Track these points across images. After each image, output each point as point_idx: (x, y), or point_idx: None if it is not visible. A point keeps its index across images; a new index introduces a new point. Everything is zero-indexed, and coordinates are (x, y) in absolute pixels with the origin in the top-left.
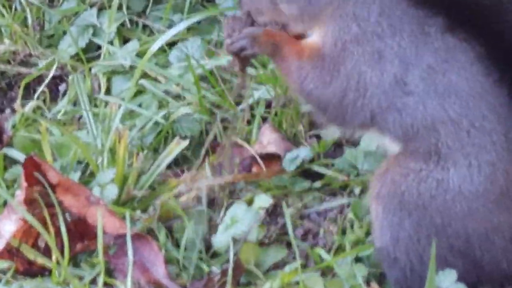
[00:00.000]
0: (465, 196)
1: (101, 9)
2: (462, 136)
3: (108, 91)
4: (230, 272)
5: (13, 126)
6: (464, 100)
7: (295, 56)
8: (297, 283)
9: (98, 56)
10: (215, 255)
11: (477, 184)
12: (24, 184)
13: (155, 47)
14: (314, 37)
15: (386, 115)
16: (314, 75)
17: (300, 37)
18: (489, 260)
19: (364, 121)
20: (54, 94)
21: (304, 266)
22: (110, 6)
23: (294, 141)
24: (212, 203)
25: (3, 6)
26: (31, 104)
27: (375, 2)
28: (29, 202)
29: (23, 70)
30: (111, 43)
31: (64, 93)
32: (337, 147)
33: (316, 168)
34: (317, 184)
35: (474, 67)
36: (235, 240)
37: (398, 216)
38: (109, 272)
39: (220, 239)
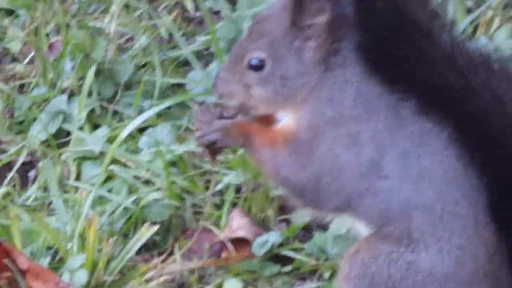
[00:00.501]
0: (435, 278)
1: (71, 96)
2: (434, 221)
3: (78, 177)
4: None
5: None
6: (437, 185)
7: (268, 144)
8: None
9: (68, 142)
10: None
11: (447, 266)
12: None
13: (125, 133)
14: (288, 122)
15: (362, 199)
16: (289, 161)
17: (268, 119)
18: None
19: (340, 204)
20: (24, 180)
21: None
22: (80, 93)
23: (263, 225)
24: None
25: None
26: (1, 190)
27: (352, 86)
28: None
29: None
30: (81, 129)
31: (34, 179)
32: (307, 231)
33: (285, 252)
34: (287, 268)
35: (447, 150)
36: None
37: None
38: None
39: None
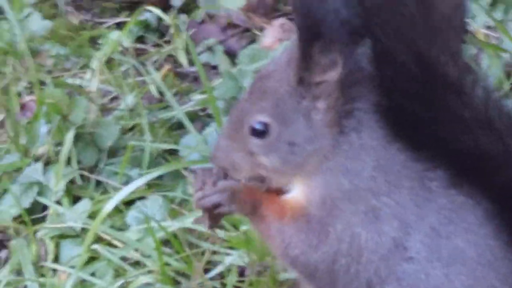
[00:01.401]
0: None
1: (47, 164)
2: None
3: (56, 258)
4: None
5: None
6: (471, 269)
7: (276, 217)
8: None
9: (45, 218)
10: None
11: None
12: None
13: (109, 207)
14: (297, 194)
15: (384, 285)
16: (299, 239)
17: (279, 188)
18: None
19: None
20: None
21: None
22: (57, 161)
23: None
24: None
25: None
26: None
27: (369, 154)
28: None
29: None
30: (59, 202)
31: (6, 261)
32: None
33: None
34: None
35: (483, 228)
36: None
37: None
38: None
39: None
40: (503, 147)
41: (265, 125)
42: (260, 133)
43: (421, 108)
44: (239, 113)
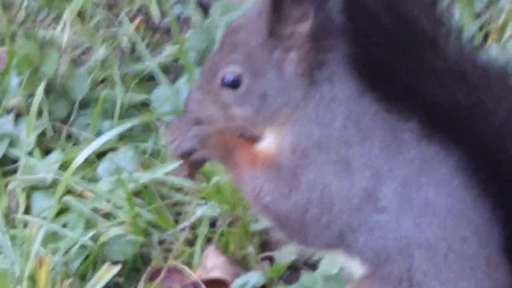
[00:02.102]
0: None
1: (18, 116)
2: (438, 261)
3: (27, 210)
4: None
5: None
6: (442, 219)
7: (249, 163)
8: None
9: (16, 170)
10: None
11: None
12: None
13: (81, 158)
14: (269, 143)
15: (356, 235)
16: (270, 187)
17: (253, 141)
18: None
19: (330, 240)
20: None
21: None
22: (28, 112)
23: (243, 264)
24: None
25: None
26: None
27: (341, 105)
28: None
29: None
30: (30, 154)
31: None
32: (293, 271)
33: None
34: None
35: (455, 180)
36: None
37: None
38: None
39: None
40: (476, 99)
41: (237, 76)
42: (232, 85)
43: (394, 59)
44: (211, 65)
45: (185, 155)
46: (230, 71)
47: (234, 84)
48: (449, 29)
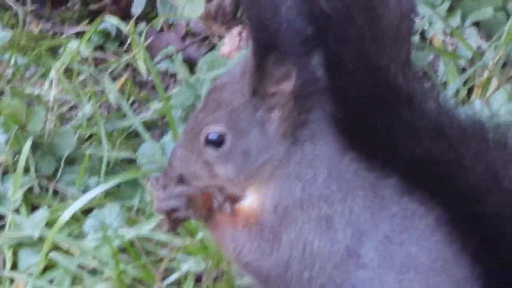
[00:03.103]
0: None
1: (5, 173)
2: None
3: (14, 266)
4: None
5: None
6: (424, 276)
7: (230, 224)
8: None
9: (3, 227)
10: None
11: None
12: None
13: (67, 215)
14: (251, 201)
15: None
16: (252, 247)
17: (236, 199)
18: None
19: None
20: None
21: None
22: (15, 170)
23: None
24: None
25: None
26: None
27: (323, 164)
28: None
29: None
30: (17, 211)
31: None
32: None
33: None
34: None
35: (435, 235)
36: None
37: None
38: None
39: None
40: (455, 155)
41: (220, 135)
42: (215, 143)
43: (373, 117)
44: (194, 124)
45: (169, 212)
46: (213, 130)
47: (218, 142)
48: (426, 87)
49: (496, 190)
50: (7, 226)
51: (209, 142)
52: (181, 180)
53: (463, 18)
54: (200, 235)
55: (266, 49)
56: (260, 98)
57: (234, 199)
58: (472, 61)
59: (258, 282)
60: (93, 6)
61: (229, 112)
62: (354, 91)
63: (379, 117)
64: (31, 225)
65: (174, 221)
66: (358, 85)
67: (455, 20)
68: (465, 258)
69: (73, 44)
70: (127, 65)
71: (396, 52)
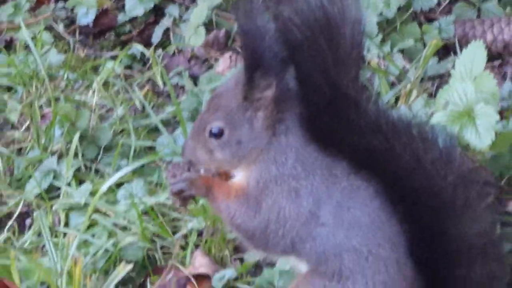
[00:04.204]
0: None
1: (60, 157)
2: (361, 261)
3: (66, 224)
4: None
5: None
6: (365, 231)
7: (224, 197)
8: None
9: (58, 196)
10: None
11: None
12: None
13: (105, 187)
14: (240, 178)
15: (304, 244)
16: (241, 212)
17: (227, 174)
18: None
19: (285, 248)
20: (21, 227)
21: None
22: (67, 155)
23: (221, 263)
24: None
25: None
26: (2, 236)
27: (292, 150)
28: None
29: None
30: (68, 185)
31: (30, 226)
32: (258, 267)
33: (240, 285)
34: None
35: (374, 202)
36: None
37: None
38: None
39: None
40: (389, 145)
41: (220, 129)
42: (216, 135)
43: (330, 118)
44: (201, 121)
45: (178, 193)
46: (215, 125)
47: (218, 135)
48: (369, 95)
49: (419, 170)
50: (61, 195)
51: (212, 134)
52: (190, 165)
53: (392, 46)
54: (201, 202)
55: (254, 66)
56: (249, 102)
57: (228, 176)
58: (398, 77)
59: (245, 239)
60: (123, 37)
61: (226, 113)
62: (318, 98)
63: (335, 117)
64: (79, 194)
65: (183, 199)
66: (320, 94)
67: (386, 48)
68: (395, 219)
69: (109, 64)
70: (149, 80)
71: (349, 70)
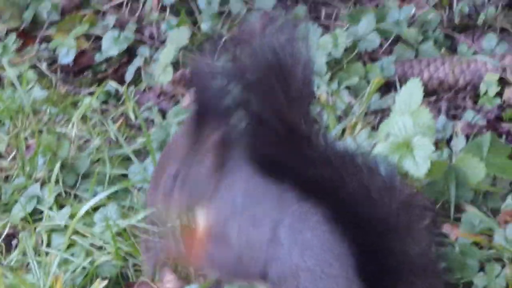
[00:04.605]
0: None
1: (43, 184)
2: (315, 280)
3: (48, 245)
4: None
5: None
6: (316, 252)
7: (199, 246)
8: None
9: (41, 219)
10: None
11: None
12: None
13: (82, 211)
14: (202, 218)
15: (271, 265)
16: (218, 250)
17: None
18: None
19: (261, 272)
20: (8, 247)
21: None
22: (49, 181)
23: (186, 280)
24: None
25: None
26: None
27: (240, 184)
28: None
29: None
30: (50, 209)
31: (16, 246)
32: (218, 284)
33: None
34: None
35: (323, 226)
36: None
37: None
38: None
39: None
40: (337, 175)
41: (176, 171)
42: (174, 177)
43: (284, 152)
44: (160, 167)
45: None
46: (172, 168)
47: (175, 176)
48: (318, 129)
49: (366, 197)
50: (44, 218)
51: (170, 176)
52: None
53: (339, 84)
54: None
55: (202, 113)
56: (199, 145)
57: (189, 219)
58: (345, 112)
59: (227, 274)
60: (100, 75)
61: (181, 156)
62: (271, 134)
63: (288, 151)
64: (60, 217)
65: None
66: (274, 131)
67: (334, 85)
68: (344, 240)
69: (87, 100)
70: (122, 114)
71: (300, 107)
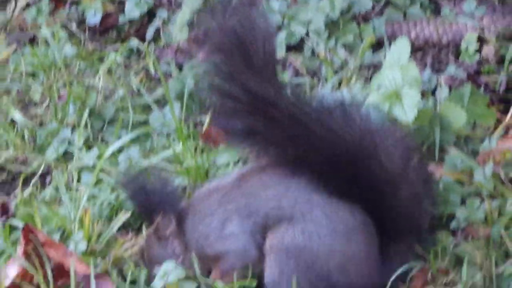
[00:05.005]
0: None
1: (73, 128)
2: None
3: (78, 181)
4: None
5: (16, 205)
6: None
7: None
8: None
9: (72, 159)
10: None
11: None
12: (23, 242)
13: (108, 152)
14: None
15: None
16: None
17: None
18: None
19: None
20: (43, 184)
21: None
22: (79, 126)
23: None
24: None
25: (9, 128)
26: (28, 190)
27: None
28: (26, 255)
29: (22, 168)
30: (80, 150)
31: (50, 183)
32: None
33: None
34: None
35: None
36: None
37: None
38: None
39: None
40: (306, 130)
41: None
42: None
43: (254, 121)
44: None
45: None
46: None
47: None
48: (286, 92)
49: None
50: (74, 159)
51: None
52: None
53: (336, 42)
54: (185, 164)
55: (150, 215)
56: (164, 241)
57: None
58: (341, 66)
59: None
60: (123, 34)
61: (156, 258)
62: (240, 106)
63: (258, 119)
64: (88, 158)
65: None
66: (242, 102)
67: (331, 43)
68: (357, 211)
69: (112, 56)
70: (143, 68)
71: (266, 78)
